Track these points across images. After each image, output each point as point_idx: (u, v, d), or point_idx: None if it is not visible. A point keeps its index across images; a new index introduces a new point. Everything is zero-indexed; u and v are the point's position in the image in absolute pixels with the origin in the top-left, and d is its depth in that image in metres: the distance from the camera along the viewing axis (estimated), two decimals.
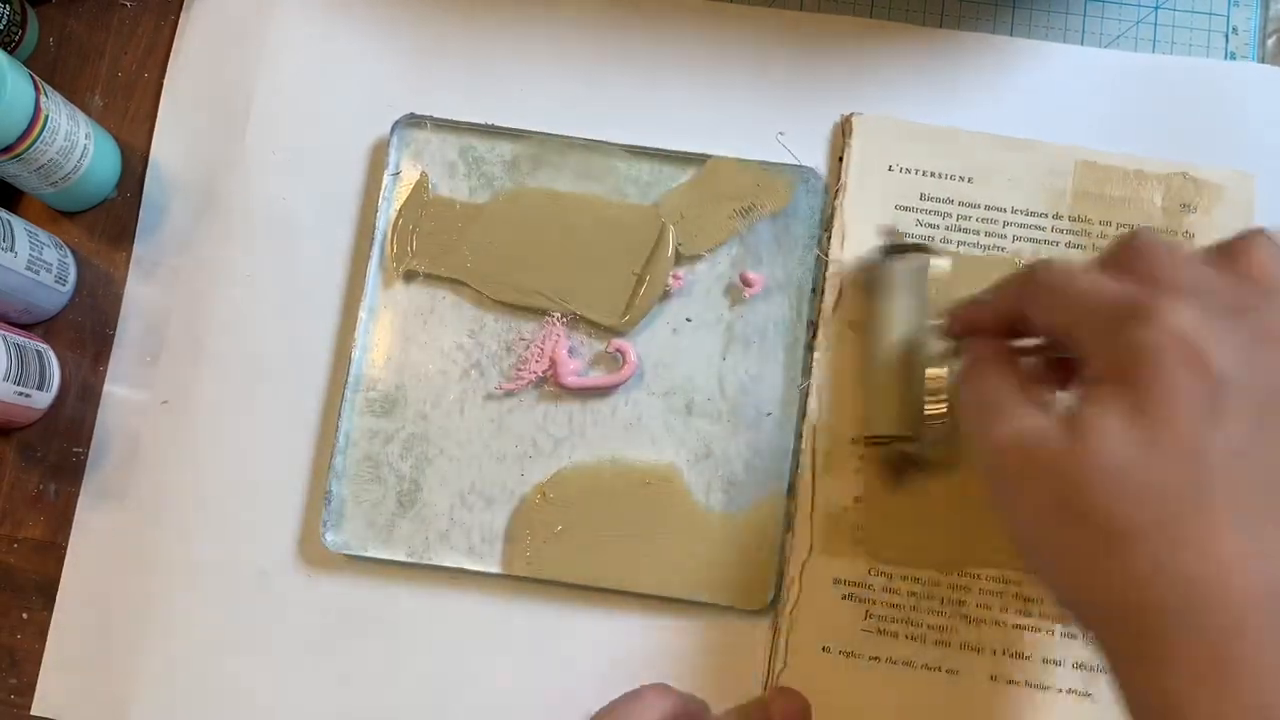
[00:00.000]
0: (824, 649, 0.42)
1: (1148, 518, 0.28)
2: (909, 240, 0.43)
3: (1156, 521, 0.28)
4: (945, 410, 0.40)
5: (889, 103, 0.46)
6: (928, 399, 0.41)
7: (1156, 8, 0.47)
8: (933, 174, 0.45)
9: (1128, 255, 0.31)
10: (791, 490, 0.43)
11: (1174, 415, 0.28)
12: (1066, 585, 0.30)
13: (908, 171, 0.45)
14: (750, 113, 0.46)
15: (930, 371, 0.41)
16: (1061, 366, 0.35)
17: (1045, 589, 0.33)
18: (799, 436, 0.43)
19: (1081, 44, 0.47)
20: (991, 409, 0.32)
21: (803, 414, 0.43)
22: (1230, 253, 0.31)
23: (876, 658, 0.42)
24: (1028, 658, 0.42)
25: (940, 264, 0.43)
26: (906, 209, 0.44)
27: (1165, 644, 0.27)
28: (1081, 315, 0.31)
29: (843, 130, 0.45)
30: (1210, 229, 0.44)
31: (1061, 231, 0.44)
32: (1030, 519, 0.30)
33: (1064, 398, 0.34)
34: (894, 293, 0.42)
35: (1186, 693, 0.27)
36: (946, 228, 0.44)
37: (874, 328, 0.42)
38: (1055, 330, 0.32)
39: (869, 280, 0.43)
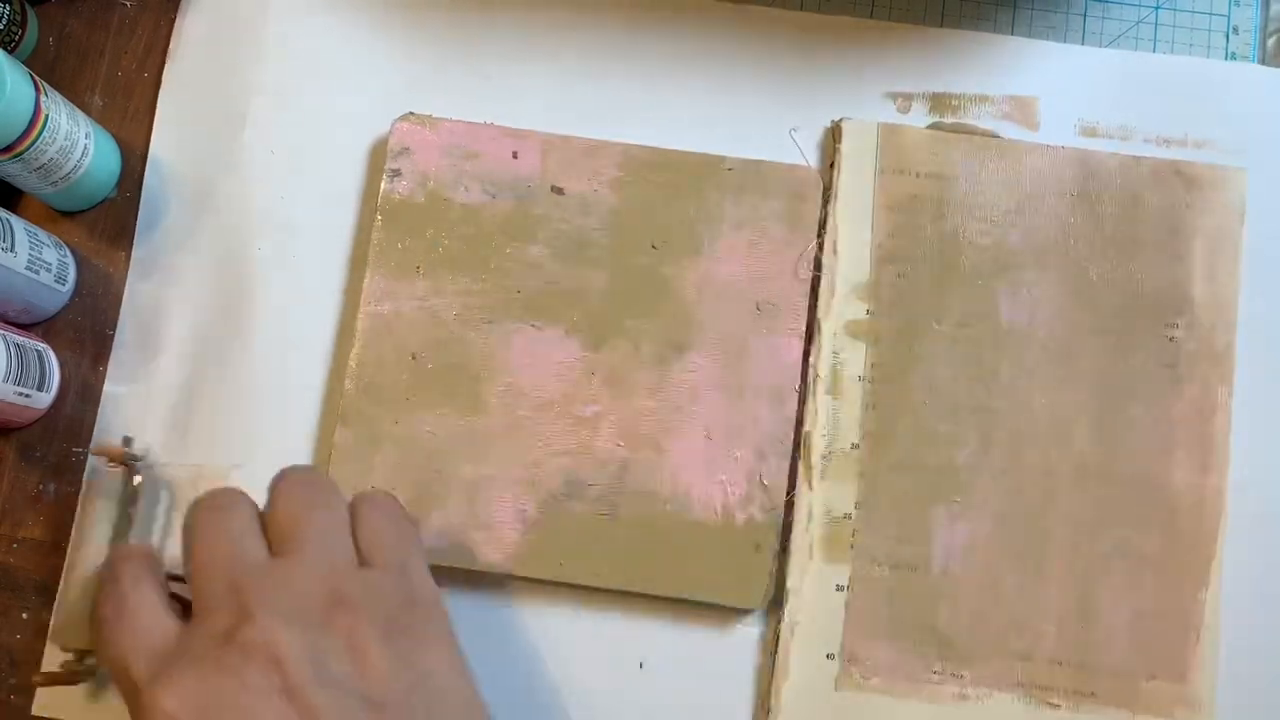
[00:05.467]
0: (828, 656, 0.41)
1: None
2: (129, 454, 0.43)
3: None
4: None
5: (888, 103, 0.46)
6: None
7: (1157, 8, 0.47)
8: (924, 176, 0.45)
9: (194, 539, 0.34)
10: (790, 497, 0.42)
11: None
12: None
13: (899, 174, 0.45)
14: (750, 112, 0.46)
15: None
16: None
17: None
18: (796, 446, 0.43)
19: (1082, 44, 0.47)
20: (114, 616, 0.32)
21: (799, 421, 0.43)
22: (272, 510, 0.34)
23: None
24: (1032, 659, 0.42)
25: (138, 480, 0.42)
26: (899, 212, 0.44)
27: None
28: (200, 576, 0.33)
29: (833, 135, 0.45)
30: (1205, 225, 0.44)
31: (1055, 231, 0.44)
32: None
33: None
34: (95, 506, 0.42)
35: None
36: (941, 230, 0.44)
37: (76, 539, 0.42)
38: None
39: (84, 492, 0.43)
